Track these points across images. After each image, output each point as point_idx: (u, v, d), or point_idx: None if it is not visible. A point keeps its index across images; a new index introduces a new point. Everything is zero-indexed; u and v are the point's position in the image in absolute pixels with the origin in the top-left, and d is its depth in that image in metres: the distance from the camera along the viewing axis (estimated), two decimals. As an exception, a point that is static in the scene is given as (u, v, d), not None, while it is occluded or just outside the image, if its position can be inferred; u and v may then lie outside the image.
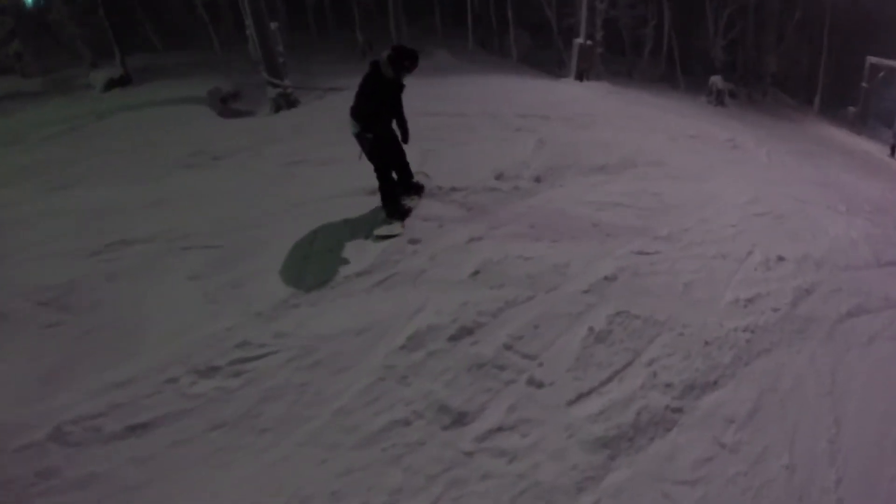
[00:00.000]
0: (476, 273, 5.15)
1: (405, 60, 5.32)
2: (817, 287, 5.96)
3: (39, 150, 10.13)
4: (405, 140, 5.90)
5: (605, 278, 5.30)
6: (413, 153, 6.51)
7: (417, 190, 6.44)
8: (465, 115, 11.07)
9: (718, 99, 18.68)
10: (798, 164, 12.56)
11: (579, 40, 16.13)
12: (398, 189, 5.96)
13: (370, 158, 5.62)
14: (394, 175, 6.00)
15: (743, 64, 21.29)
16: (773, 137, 15.21)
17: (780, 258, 6.22)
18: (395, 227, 5.82)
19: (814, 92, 20.73)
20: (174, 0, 18.20)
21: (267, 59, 12.20)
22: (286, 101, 12.35)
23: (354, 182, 6.82)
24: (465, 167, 7.53)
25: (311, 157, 8.27)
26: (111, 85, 14.93)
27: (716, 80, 18.74)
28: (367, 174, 6.34)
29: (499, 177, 7.35)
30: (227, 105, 13.22)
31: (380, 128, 5.46)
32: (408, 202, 6.31)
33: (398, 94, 5.53)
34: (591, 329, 4.60)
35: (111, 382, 4.00)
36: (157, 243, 5.85)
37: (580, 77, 16.23)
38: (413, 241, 5.67)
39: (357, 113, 5.43)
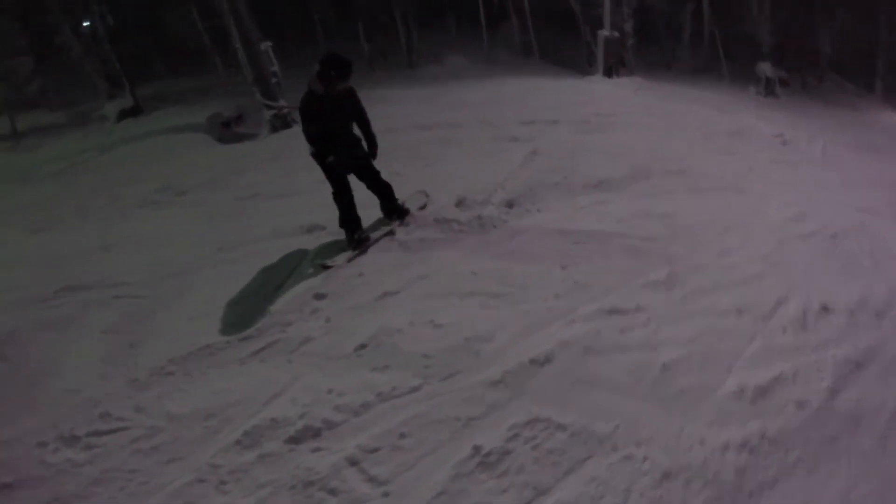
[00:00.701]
0: (362, 347, 4.14)
1: (331, 72, 4.76)
2: (875, 356, 4.23)
3: (39, 188, 10.59)
4: (372, 155, 5.44)
5: (533, 361, 3.83)
6: (357, 183, 5.85)
7: (400, 214, 5.88)
8: (460, 125, 10.16)
9: (768, 88, 16.90)
10: (860, 162, 10.80)
11: (605, 32, 14.80)
12: (350, 214, 5.44)
13: (328, 180, 5.27)
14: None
15: (794, 47, 19.17)
16: (831, 130, 13.38)
17: (825, 308, 4.65)
18: (338, 258, 5.39)
19: (875, 75, 18.42)
20: (181, 25, 17.66)
21: (259, 81, 12.09)
22: (282, 122, 12.18)
23: (299, 219, 6.46)
24: (429, 192, 6.47)
25: (269, 189, 7.95)
26: (123, 116, 15.40)
27: (764, 68, 17.00)
28: (316, 208, 6.28)
29: (460, 203, 6.34)
30: (230, 129, 13.20)
31: (326, 150, 5.03)
32: (377, 232, 5.76)
33: (343, 109, 5.04)
34: (476, 448, 3.25)
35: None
36: (94, 291, 5.76)
37: (609, 73, 14.75)
38: (318, 297, 4.92)
39: (305, 135, 5.04)
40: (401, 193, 6.22)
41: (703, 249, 5.41)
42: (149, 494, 3.36)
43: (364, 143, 5.41)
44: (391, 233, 5.69)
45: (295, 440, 3.44)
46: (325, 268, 5.25)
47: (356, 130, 5.41)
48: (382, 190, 5.71)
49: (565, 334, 4.04)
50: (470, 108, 11.48)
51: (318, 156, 5.06)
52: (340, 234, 5.80)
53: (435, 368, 3.79)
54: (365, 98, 5.54)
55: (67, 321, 5.25)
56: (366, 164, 5.48)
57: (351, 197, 5.37)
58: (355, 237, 5.48)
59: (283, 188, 7.70)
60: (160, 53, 19.82)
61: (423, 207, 6.19)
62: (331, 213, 5.78)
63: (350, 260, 5.37)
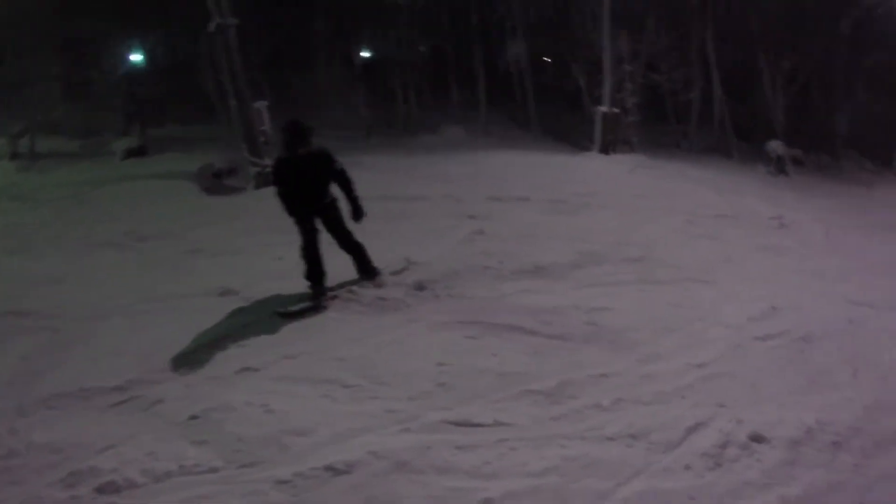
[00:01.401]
0: (194, 418, 3.96)
1: (290, 138, 5.21)
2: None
3: (35, 211, 10.85)
4: (355, 216, 5.65)
5: (329, 468, 3.36)
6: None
7: (371, 276, 5.89)
8: (426, 198, 9.84)
9: (779, 167, 16.07)
10: (868, 245, 9.91)
11: (603, 108, 14.27)
12: (314, 270, 5.58)
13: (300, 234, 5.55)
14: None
15: (810, 126, 18.49)
16: (841, 209, 12.50)
17: (757, 438, 3.71)
18: (299, 305, 5.50)
19: (893, 151, 17.56)
20: (201, 75, 18.03)
21: (247, 138, 12.25)
22: (264, 180, 11.86)
23: (220, 280, 6.31)
24: (345, 269, 6.05)
25: (213, 246, 7.83)
26: (129, 154, 15.83)
27: (775, 146, 16.29)
28: (240, 271, 6.51)
29: (378, 286, 5.94)
30: (220, 180, 13.36)
31: (291, 208, 5.40)
32: (351, 290, 5.82)
33: (309, 171, 5.34)
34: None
35: None
36: (30, 319, 5.76)
37: (606, 150, 14.15)
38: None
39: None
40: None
41: (624, 354, 4.69)
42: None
43: (343, 204, 5.70)
44: (320, 307, 5.58)
45: (100, 490, 3.34)
46: (282, 316, 5.36)
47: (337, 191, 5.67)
48: (352, 249, 5.78)
49: (385, 444, 3.55)
50: (445, 182, 11.03)
51: (287, 212, 5.39)
52: (250, 300, 5.82)
53: (242, 454, 3.56)
54: (350, 164, 5.78)
55: (-2, 345, 5.22)
56: (334, 224, 5.65)
57: (315, 252, 5.52)
58: (315, 289, 5.59)
59: (226, 247, 7.67)
60: (179, 98, 19.92)
61: (397, 272, 6.16)
62: (248, 278, 6.15)
63: (303, 311, 5.43)
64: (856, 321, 5.94)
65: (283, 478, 3.27)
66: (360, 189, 5.82)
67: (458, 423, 3.76)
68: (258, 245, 7.41)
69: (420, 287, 5.81)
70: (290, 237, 5.76)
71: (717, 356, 4.76)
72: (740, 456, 3.54)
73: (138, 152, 15.98)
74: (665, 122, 19.16)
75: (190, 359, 4.77)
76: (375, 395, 4.12)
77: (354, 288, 5.85)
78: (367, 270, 5.88)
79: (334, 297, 5.71)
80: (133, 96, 17.25)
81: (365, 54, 19.38)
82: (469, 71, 18.14)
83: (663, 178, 12.68)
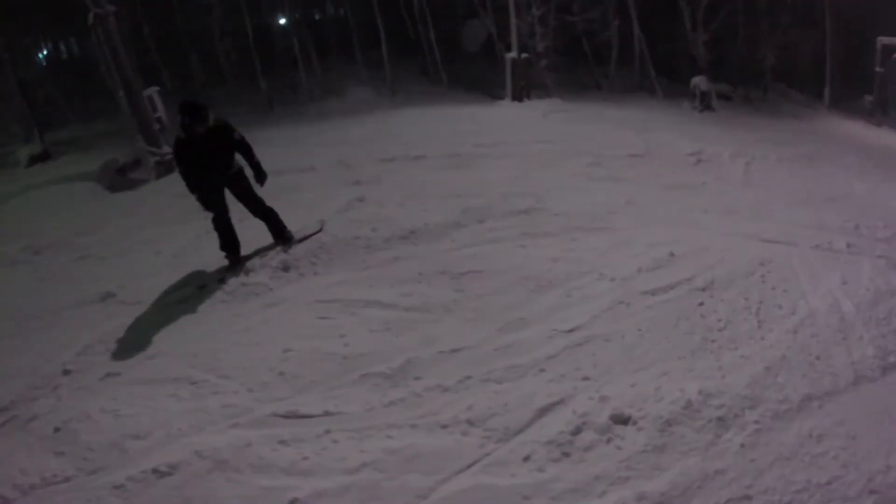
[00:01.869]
0: (57, 430, 3.90)
1: (184, 118, 5.04)
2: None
3: None
4: (259, 181, 5.58)
5: (156, 470, 3.34)
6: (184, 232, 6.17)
7: (286, 240, 5.89)
8: (314, 168, 9.08)
9: (704, 103, 15.38)
10: (790, 177, 9.27)
11: (512, 54, 13.31)
12: (226, 238, 5.61)
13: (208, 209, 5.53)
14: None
15: (736, 60, 17.85)
16: (765, 142, 11.81)
17: (619, 419, 2.92)
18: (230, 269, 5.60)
19: (822, 84, 17.07)
20: (92, 71, 17.08)
21: (142, 128, 11.82)
22: (166, 168, 11.67)
23: (106, 285, 5.94)
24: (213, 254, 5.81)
25: (104, 249, 7.28)
26: (33, 161, 15.07)
27: (698, 82, 15.61)
28: (125, 274, 6.12)
29: (247, 271, 5.64)
30: (124, 175, 12.54)
31: (196, 187, 5.29)
32: (269, 254, 5.79)
33: (211, 148, 5.20)
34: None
35: None
36: None
37: (519, 97, 13.21)
38: (66, 372, 4.60)
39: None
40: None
41: (486, 324, 4.18)
42: None
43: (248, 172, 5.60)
44: (245, 271, 5.58)
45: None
46: (201, 288, 5.40)
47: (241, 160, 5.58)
48: (265, 216, 5.78)
49: (210, 442, 3.48)
50: (341, 147, 10.10)
51: (190, 190, 5.31)
52: (127, 302, 5.58)
53: (89, 462, 3.59)
54: (250, 140, 5.55)
55: None
56: (244, 193, 5.63)
57: (226, 222, 5.52)
58: (231, 258, 5.64)
59: (112, 249, 7.18)
60: (80, 96, 18.96)
61: (304, 238, 6.00)
62: (128, 278, 5.90)
63: (223, 279, 5.46)
64: (768, 262, 5.23)
65: (118, 482, 3.31)
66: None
67: (286, 416, 3.62)
68: (141, 242, 7.01)
69: (286, 267, 5.55)
70: (170, 229, 5.94)
71: (593, 317, 4.17)
72: (596, 443, 2.90)
73: (41, 158, 15.20)
74: (586, 65, 18.23)
75: (64, 371, 4.63)
76: (217, 390, 3.99)
77: (252, 262, 5.69)
78: (281, 235, 5.86)
79: (241, 270, 5.58)
80: (29, 101, 16.12)
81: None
82: (374, 28, 16.90)
83: (578, 121, 11.85)
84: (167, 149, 11.30)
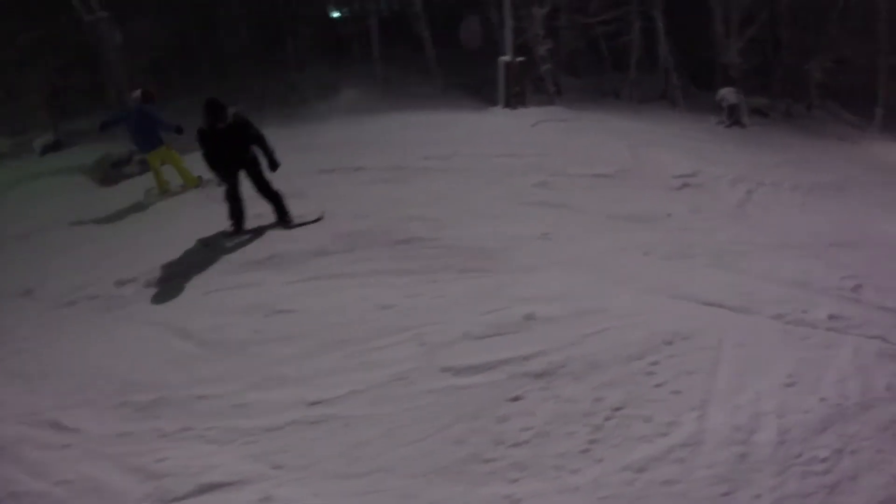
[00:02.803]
0: None
1: (207, 114, 5.87)
2: None
3: None
4: (271, 168, 6.26)
5: None
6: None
7: (286, 223, 6.52)
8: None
9: (732, 118, 13.74)
10: (799, 211, 7.93)
11: (505, 58, 12.00)
12: (233, 208, 6.37)
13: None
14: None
15: (779, 72, 16.09)
16: (787, 166, 10.21)
17: None
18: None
19: (873, 103, 15.15)
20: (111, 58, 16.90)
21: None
22: (143, 166, 11.74)
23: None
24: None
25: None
26: (46, 150, 15.65)
27: (726, 94, 14.04)
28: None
29: (120, 283, 5.66)
30: (119, 169, 12.83)
31: (214, 168, 6.21)
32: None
33: (229, 139, 5.98)
34: None
35: None
36: None
37: (511, 103, 11.92)
38: None
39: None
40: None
41: (247, 375, 3.85)
42: None
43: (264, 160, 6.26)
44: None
45: None
46: (205, 244, 6.14)
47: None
48: (271, 198, 6.41)
49: None
50: (292, 155, 9.07)
51: (210, 168, 6.25)
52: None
53: None
54: None
55: None
56: (256, 176, 6.29)
57: (235, 196, 6.28)
58: (234, 224, 6.38)
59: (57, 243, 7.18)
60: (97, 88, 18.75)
61: (304, 223, 6.46)
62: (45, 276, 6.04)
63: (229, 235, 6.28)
64: (683, 340, 3.89)
65: None
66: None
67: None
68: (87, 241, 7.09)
69: (148, 284, 5.61)
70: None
71: (352, 392, 3.45)
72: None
73: (54, 147, 15.74)
74: (616, 70, 16.73)
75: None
76: None
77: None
78: (283, 216, 6.48)
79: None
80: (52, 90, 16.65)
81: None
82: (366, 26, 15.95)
83: (570, 131, 10.66)
84: (150, 147, 11.70)
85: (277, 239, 6.02)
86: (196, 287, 5.34)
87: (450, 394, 3.33)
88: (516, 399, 3.24)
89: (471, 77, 15.29)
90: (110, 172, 12.50)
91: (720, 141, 11.97)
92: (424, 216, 5.98)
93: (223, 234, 6.31)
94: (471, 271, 4.82)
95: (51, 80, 17.41)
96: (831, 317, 4.40)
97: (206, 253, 6.07)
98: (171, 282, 5.56)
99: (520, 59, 12.35)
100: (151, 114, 8.24)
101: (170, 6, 18.10)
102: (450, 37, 16.28)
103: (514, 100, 12.22)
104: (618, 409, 3.08)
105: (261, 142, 6.27)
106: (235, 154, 6.21)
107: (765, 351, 3.78)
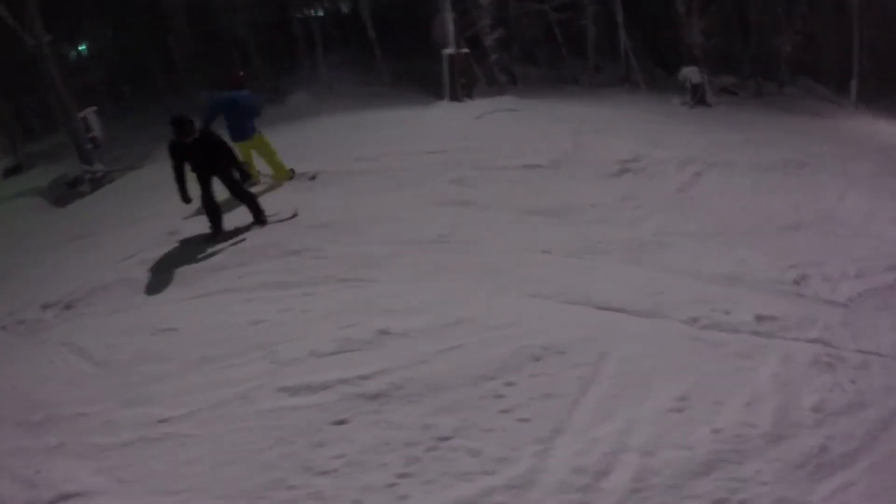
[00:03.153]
0: None
1: (174, 128, 6.09)
2: None
3: None
4: (243, 181, 6.53)
5: None
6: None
7: (261, 222, 6.53)
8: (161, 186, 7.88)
9: (696, 98, 13.18)
10: (751, 193, 7.45)
11: (448, 50, 11.48)
12: (207, 209, 6.46)
13: None
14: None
15: (747, 50, 15.61)
16: (748, 144, 9.63)
17: None
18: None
19: (849, 77, 14.66)
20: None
21: (77, 146, 12.41)
22: (96, 184, 12.36)
23: None
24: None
25: None
26: (8, 174, 15.45)
27: (689, 73, 13.42)
28: None
29: (45, 306, 5.51)
30: (75, 188, 12.66)
31: (179, 183, 6.27)
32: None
33: (198, 151, 6.20)
34: None
35: None
36: None
37: (457, 96, 11.41)
38: None
39: None
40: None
41: (113, 392, 3.82)
42: None
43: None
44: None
45: None
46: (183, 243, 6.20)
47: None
48: (245, 199, 6.57)
49: None
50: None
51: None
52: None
53: None
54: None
55: None
56: (228, 180, 6.44)
57: (209, 199, 6.41)
58: (213, 228, 6.44)
59: None
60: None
61: (279, 221, 6.44)
62: None
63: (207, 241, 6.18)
64: (560, 354, 3.28)
65: None
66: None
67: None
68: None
69: (68, 307, 5.58)
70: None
71: (195, 411, 3.41)
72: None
73: (15, 171, 15.58)
74: (577, 57, 16.21)
75: None
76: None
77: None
78: (258, 216, 6.52)
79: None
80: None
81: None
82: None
83: (516, 121, 10.13)
84: (99, 167, 12.39)
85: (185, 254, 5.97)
86: (105, 307, 5.33)
87: (280, 415, 3.19)
88: (341, 423, 3.01)
89: (421, 73, 14.81)
90: (65, 193, 12.34)
91: (681, 122, 11.41)
92: (326, 223, 5.79)
93: (203, 238, 6.35)
94: (351, 281, 4.55)
95: (10, 104, 17.43)
96: (759, 318, 3.88)
97: (125, 272, 5.93)
98: (85, 303, 5.53)
99: (464, 50, 11.78)
100: (245, 100, 7.36)
101: (122, 22, 18.06)
102: (407, 35, 15.79)
103: (462, 92, 11.63)
104: (445, 438, 2.62)
105: (233, 159, 6.52)
106: (205, 164, 6.46)
107: (659, 366, 3.22)
